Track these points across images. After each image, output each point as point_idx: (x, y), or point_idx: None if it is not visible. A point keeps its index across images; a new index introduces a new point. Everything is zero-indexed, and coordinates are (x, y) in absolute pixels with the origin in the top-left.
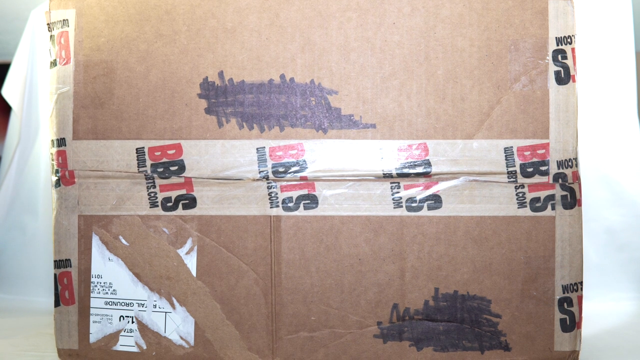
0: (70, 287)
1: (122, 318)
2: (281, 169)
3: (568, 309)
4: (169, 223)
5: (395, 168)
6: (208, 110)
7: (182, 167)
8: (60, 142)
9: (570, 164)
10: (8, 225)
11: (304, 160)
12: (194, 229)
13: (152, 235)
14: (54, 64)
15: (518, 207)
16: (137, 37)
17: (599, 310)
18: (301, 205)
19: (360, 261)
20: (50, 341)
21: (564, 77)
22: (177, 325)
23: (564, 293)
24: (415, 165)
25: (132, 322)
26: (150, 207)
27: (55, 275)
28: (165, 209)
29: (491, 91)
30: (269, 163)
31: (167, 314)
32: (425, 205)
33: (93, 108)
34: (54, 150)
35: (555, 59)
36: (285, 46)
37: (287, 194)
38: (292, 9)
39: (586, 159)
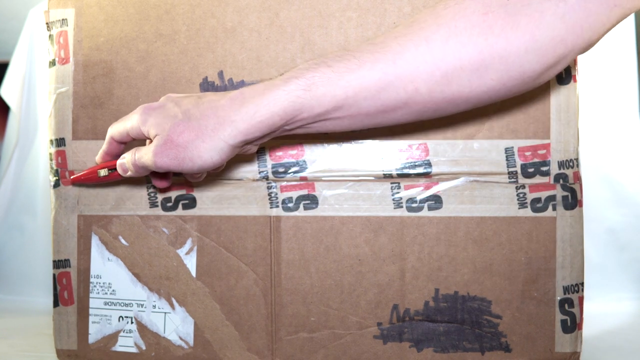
0: (70, 288)
1: (121, 318)
2: (281, 169)
3: (569, 310)
4: (168, 223)
5: (396, 168)
6: None
7: None
8: (60, 142)
9: (571, 164)
10: (7, 225)
11: (304, 161)
12: (193, 229)
13: (152, 235)
14: (52, 63)
15: (519, 208)
16: (136, 36)
17: (600, 311)
18: (301, 206)
19: (360, 262)
20: (49, 342)
21: (565, 77)
22: (176, 325)
23: (564, 294)
24: (415, 165)
25: (132, 322)
26: (150, 207)
27: (54, 275)
28: (165, 209)
29: None
30: (269, 163)
31: (167, 314)
32: (425, 205)
33: (93, 108)
34: (53, 150)
35: None
36: (285, 46)
37: (287, 194)
38: (292, 8)
39: (587, 159)
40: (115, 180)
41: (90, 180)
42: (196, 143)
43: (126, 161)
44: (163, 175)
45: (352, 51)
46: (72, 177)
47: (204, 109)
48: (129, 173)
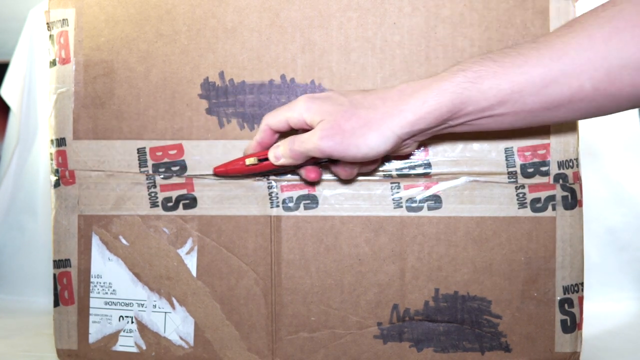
0: (70, 287)
1: (121, 318)
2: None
3: (569, 309)
4: (169, 223)
5: (395, 168)
6: (209, 111)
7: (183, 167)
8: (60, 142)
9: (571, 164)
10: (7, 225)
11: None
12: (194, 229)
13: (152, 235)
14: (53, 63)
15: (518, 208)
16: (137, 36)
17: (600, 311)
18: (301, 205)
19: (360, 261)
20: (49, 341)
21: None
22: (176, 325)
23: (564, 294)
24: (415, 165)
25: (132, 322)
26: (150, 207)
27: (54, 275)
28: (165, 209)
29: None
30: None
31: (167, 314)
32: (425, 205)
33: (93, 108)
34: (54, 150)
35: None
36: (285, 46)
37: (287, 194)
38: (293, 8)
39: (587, 159)
40: (261, 170)
41: (235, 171)
42: (363, 130)
43: (281, 148)
44: (315, 166)
45: (516, 48)
46: (215, 168)
47: (372, 99)
48: (281, 160)
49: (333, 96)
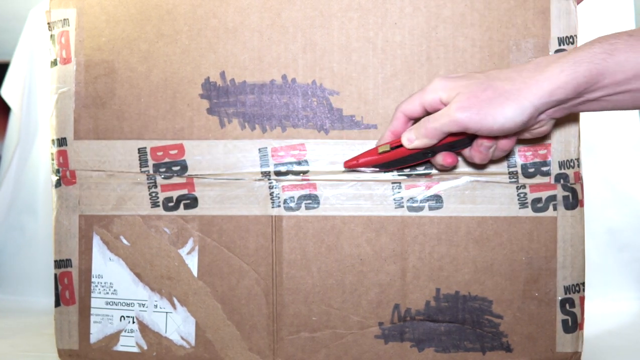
0: (71, 287)
1: (122, 318)
2: (283, 169)
3: (570, 309)
4: (170, 223)
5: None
6: (210, 111)
7: (184, 167)
8: (61, 141)
9: (572, 164)
10: (8, 225)
11: (306, 161)
12: (195, 229)
13: (153, 235)
14: (54, 63)
15: (519, 208)
16: (138, 36)
17: (600, 311)
18: (303, 205)
19: (361, 261)
20: (50, 341)
21: None
22: (177, 325)
23: (565, 294)
24: (416, 165)
25: (133, 322)
26: (151, 207)
27: (55, 275)
28: (166, 209)
29: None
30: (271, 163)
31: (168, 314)
32: (426, 205)
33: (94, 108)
34: (55, 150)
35: None
36: (286, 46)
37: (288, 193)
38: (294, 8)
39: (588, 159)
40: (395, 158)
41: (368, 163)
42: (500, 100)
43: (414, 130)
44: (450, 152)
45: None
46: (345, 162)
47: (508, 72)
48: (415, 143)
49: (468, 74)
